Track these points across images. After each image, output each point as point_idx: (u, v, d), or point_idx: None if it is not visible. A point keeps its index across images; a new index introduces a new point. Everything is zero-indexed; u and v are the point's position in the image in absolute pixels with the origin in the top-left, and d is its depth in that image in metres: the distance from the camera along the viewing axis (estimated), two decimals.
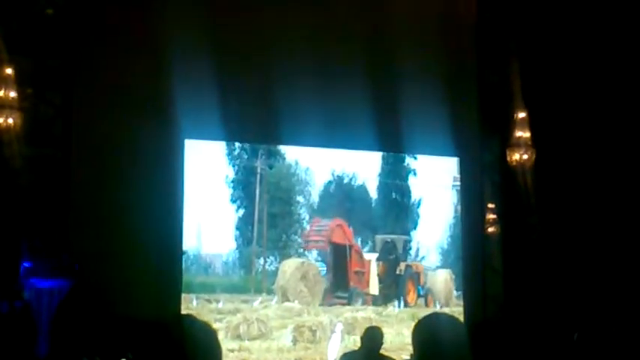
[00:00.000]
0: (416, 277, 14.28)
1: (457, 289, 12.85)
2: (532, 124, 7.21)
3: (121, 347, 4.67)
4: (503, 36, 7.43)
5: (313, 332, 11.15)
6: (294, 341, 11.08)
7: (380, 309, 13.12)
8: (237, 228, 15.58)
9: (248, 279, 15.77)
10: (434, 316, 2.66)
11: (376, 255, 14.20)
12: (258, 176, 15.29)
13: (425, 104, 7.32)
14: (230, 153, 14.83)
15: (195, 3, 6.80)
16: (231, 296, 14.27)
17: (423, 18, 7.19)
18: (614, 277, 6.95)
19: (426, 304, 14.07)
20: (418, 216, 15.94)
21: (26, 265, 6.05)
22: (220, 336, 5.58)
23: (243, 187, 15.57)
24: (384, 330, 6.27)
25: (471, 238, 7.80)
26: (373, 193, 16.12)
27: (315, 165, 14.78)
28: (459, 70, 7.37)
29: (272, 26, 6.83)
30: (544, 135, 7.26)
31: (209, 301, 13.36)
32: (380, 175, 15.57)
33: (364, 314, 12.05)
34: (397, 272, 13.99)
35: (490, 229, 7.75)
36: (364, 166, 14.86)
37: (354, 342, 8.86)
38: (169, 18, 6.44)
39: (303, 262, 13.89)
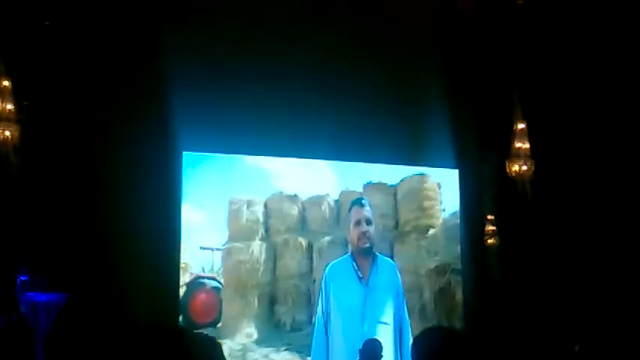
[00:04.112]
0: None
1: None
2: (531, 135, 7.20)
3: None
4: (501, 47, 7.43)
5: None
6: None
7: None
8: None
9: None
10: (433, 330, 2.63)
11: None
12: None
13: (423, 116, 7.31)
14: None
15: (193, 15, 6.80)
16: None
17: (421, 29, 7.19)
18: (614, 288, 6.93)
19: None
20: None
21: (23, 278, 6.02)
22: None
23: None
24: None
25: (470, 249, 7.76)
26: None
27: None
28: (457, 82, 7.37)
29: (271, 37, 6.82)
30: (543, 146, 7.24)
31: None
32: None
33: None
34: None
35: (489, 241, 7.72)
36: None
37: None
38: (167, 29, 6.44)
39: None
